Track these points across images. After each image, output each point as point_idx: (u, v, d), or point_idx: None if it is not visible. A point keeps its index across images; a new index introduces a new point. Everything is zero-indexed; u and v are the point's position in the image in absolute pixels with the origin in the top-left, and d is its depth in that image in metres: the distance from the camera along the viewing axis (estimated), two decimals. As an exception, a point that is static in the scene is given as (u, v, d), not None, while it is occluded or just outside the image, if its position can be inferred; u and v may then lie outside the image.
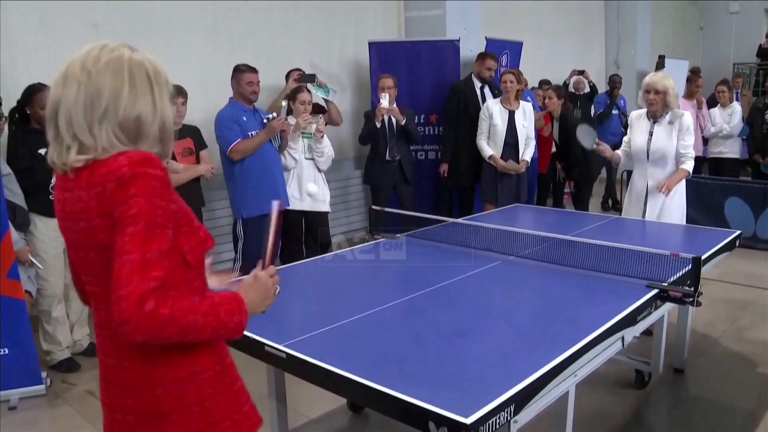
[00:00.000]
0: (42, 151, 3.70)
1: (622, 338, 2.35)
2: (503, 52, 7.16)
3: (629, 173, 4.56)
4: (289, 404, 2.99)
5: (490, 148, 5.58)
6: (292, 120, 4.72)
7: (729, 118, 7.47)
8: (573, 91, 8.02)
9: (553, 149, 6.45)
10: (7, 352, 3.51)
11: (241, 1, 5.73)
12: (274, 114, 4.49)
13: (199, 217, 4.52)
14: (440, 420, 1.60)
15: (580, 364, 2.07)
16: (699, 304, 2.67)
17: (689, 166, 4.21)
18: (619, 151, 4.51)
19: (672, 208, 4.25)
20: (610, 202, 8.52)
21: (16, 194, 3.64)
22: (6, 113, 3.78)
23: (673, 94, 4.16)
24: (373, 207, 3.84)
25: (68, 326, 3.98)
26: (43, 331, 3.89)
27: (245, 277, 1.52)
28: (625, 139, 4.51)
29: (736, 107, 7.58)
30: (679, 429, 3.26)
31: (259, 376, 3.17)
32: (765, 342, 4.12)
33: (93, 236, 1.34)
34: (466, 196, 6.23)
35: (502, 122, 5.53)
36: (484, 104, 5.72)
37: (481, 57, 6.11)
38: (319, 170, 4.88)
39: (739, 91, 9.77)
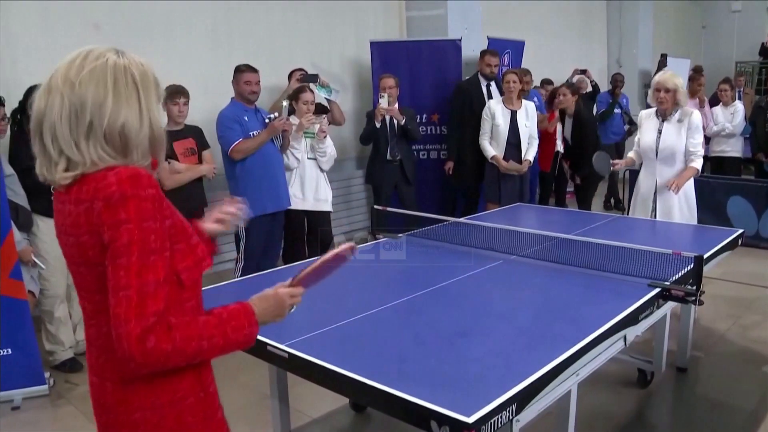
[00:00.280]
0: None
1: (624, 337, 2.35)
2: (505, 52, 7.16)
3: (632, 172, 4.57)
4: (292, 404, 2.99)
5: (492, 148, 5.59)
6: (293, 120, 4.72)
7: (731, 116, 7.46)
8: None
9: (558, 148, 6.45)
10: (10, 352, 3.52)
11: (241, 1, 5.73)
12: (276, 114, 4.49)
13: (201, 218, 4.52)
14: (442, 419, 1.60)
15: (582, 363, 2.07)
16: (701, 303, 2.67)
17: (698, 164, 4.24)
18: (630, 154, 4.53)
19: (683, 206, 4.26)
20: (612, 201, 8.52)
21: (18, 195, 3.65)
22: (8, 114, 3.79)
23: (682, 92, 4.23)
24: (375, 207, 3.85)
25: (71, 326, 3.99)
26: (45, 331, 3.89)
27: (268, 290, 1.50)
28: (635, 138, 4.52)
29: (739, 106, 7.58)
30: (681, 428, 3.26)
31: (262, 375, 3.18)
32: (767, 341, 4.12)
33: (83, 252, 1.31)
34: (471, 196, 6.24)
35: (504, 122, 5.53)
36: (487, 104, 5.72)
37: (481, 54, 6.15)
38: (322, 170, 4.88)
39: (742, 89, 9.77)
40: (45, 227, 3.77)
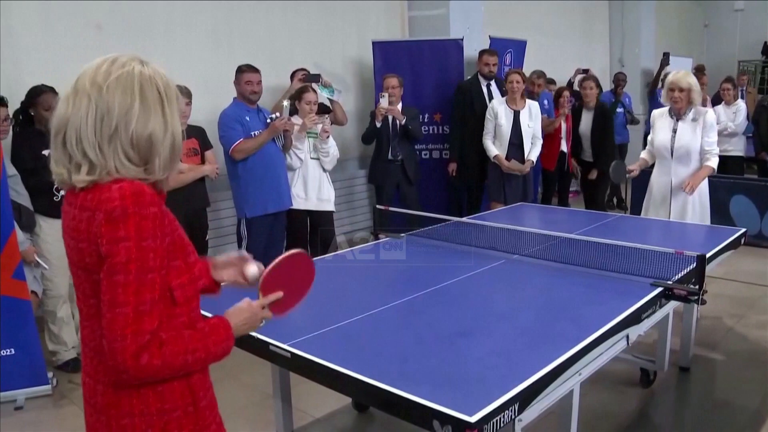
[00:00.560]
0: (46, 152, 3.72)
1: (627, 337, 2.35)
2: (507, 51, 7.16)
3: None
4: (294, 403, 2.99)
5: (495, 147, 5.58)
6: (295, 119, 4.72)
7: (734, 115, 7.45)
8: (578, 89, 8.01)
9: (562, 147, 6.44)
10: (13, 352, 3.53)
11: (242, 1, 5.73)
12: (278, 114, 4.49)
13: (204, 218, 4.54)
14: (445, 419, 1.60)
15: (585, 363, 2.07)
16: (704, 302, 2.68)
17: (713, 163, 4.26)
18: (642, 154, 4.54)
19: (696, 205, 4.28)
20: (615, 200, 8.51)
21: (21, 195, 3.65)
22: (10, 114, 3.79)
23: (696, 91, 4.25)
24: (378, 206, 3.85)
25: (74, 326, 3.99)
26: (48, 331, 3.90)
27: (238, 305, 1.54)
28: (648, 138, 4.53)
29: (741, 105, 7.57)
30: (684, 427, 3.26)
31: (264, 375, 3.18)
32: (771, 340, 4.11)
33: (81, 258, 1.34)
34: (475, 195, 6.25)
35: (507, 122, 5.53)
36: (490, 104, 5.73)
37: (480, 54, 6.17)
38: (324, 170, 4.88)
39: (744, 88, 9.75)
40: (48, 227, 3.78)
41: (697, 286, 2.61)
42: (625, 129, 8.23)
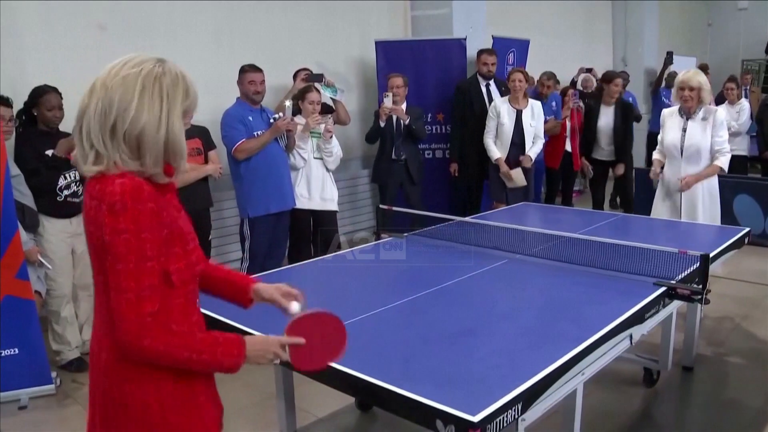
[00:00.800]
0: (49, 152, 3.73)
1: (630, 336, 2.35)
2: (510, 50, 7.15)
3: (639, 171, 4.56)
4: (297, 403, 2.99)
5: (497, 147, 5.58)
6: (298, 119, 4.72)
7: (737, 115, 7.43)
8: (581, 88, 8.00)
9: (566, 147, 6.43)
10: (16, 352, 3.54)
11: (243, 1, 5.73)
12: (281, 114, 4.49)
13: (207, 218, 4.54)
14: (448, 418, 1.60)
15: (588, 363, 2.07)
16: (707, 301, 2.67)
17: (723, 162, 4.25)
18: (655, 155, 4.52)
19: (707, 204, 4.27)
20: (618, 199, 8.48)
21: (25, 195, 3.65)
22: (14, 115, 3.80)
23: (706, 90, 4.26)
24: (381, 206, 3.84)
25: (77, 326, 4.01)
26: (52, 331, 3.91)
27: (260, 335, 1.62)
28: (659, 138, 4.52)
29: (745, 104, 7.55)
30: (687, 427, 3.25)
31: (267, 375, 3.18)
32: (775, 340, 4.10)
33: (91, 239, 1.45)
34: (474, 194, 6.24)
35: (509, 121, 5.52)
36: (492, 103, 5.72)
37: (478, 54, 6.17)
38: (328, 170, 4.89)
39: (748, 87, 9.71)
40: (51, 227, 3.79)
41: (700, 286, 2.61)
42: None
